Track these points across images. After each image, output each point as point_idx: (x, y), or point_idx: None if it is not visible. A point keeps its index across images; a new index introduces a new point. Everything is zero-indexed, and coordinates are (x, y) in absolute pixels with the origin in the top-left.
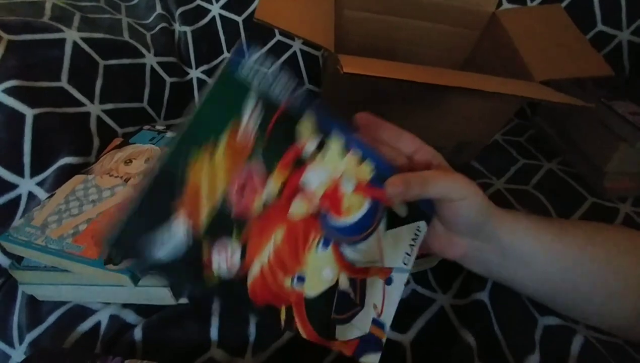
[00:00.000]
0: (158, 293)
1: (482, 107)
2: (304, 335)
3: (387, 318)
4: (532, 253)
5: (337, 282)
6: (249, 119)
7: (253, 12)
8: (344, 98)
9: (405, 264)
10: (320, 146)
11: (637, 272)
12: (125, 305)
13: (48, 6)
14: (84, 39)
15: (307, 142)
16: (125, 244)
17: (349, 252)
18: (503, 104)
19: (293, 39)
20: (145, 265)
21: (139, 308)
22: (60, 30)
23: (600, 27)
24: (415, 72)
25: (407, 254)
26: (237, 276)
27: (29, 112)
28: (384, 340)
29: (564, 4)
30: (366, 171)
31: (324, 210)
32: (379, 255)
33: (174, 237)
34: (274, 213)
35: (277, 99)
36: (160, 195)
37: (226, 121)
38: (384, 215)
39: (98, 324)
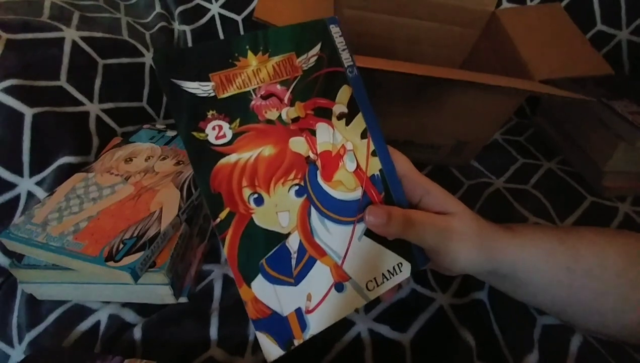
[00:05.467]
0: (158, 292)
1: (481, 103)
2: (225, 251)
3: (315, 324)
4: (530, 279)
5: (287, 235)
6: (311, 57)
7: (252, 11)
8: None
9: (368, 289)
10: (347, 116)
11: None
12: (124, 305)
13: (47, 5)
14: (83, 38)
15: (339, 104)
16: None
17: (315, 219)
18: (502, 101)
19: None
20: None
21: (138, 308)
22: (59, 29)
23: (599, 26)
24: (415, 68)
25: (375, 281)
26: (216, 150)
27: (28, 112)
28: (296, 342)
29: (563, 4)
30: (374, 165)
31: (316, 165)
32: (341, 251)
33: (196, 87)
34: (277, 131)
35: (339, 60)
36: (219, 48)
37: (298, 45)
38: None
39: (97, 323)
